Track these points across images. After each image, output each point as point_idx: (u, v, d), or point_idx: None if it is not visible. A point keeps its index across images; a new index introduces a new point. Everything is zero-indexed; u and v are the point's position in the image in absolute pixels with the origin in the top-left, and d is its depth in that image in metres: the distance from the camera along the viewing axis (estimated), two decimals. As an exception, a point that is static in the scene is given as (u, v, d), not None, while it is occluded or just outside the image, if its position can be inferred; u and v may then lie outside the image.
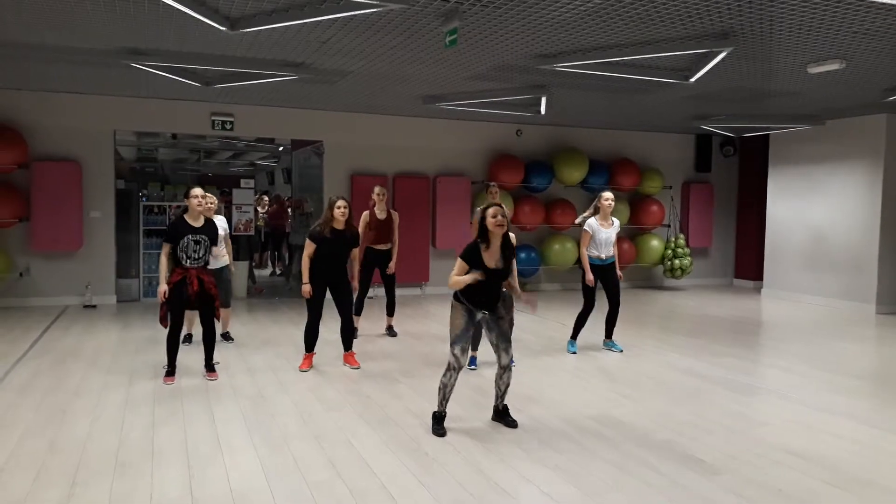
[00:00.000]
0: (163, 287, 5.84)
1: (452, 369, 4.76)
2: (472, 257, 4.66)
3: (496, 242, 4.68)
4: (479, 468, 4.18)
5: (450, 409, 5.28)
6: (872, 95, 8.93)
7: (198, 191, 6.04)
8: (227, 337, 7.77)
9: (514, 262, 5.77)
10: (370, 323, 8.82)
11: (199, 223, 6.02)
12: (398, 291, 10.41)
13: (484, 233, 4.67)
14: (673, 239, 13.08)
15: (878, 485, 4.04)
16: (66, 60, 7.67)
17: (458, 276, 4.68)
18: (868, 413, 5.54)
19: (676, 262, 12.84)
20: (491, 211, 4.65)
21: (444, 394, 4.82)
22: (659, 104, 9.90)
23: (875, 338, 9.00)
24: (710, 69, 7.17)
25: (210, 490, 3.82)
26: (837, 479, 4.10)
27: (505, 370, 4.93)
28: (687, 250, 12.99)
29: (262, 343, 7.67)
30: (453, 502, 3.71)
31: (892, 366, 7.47)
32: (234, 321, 8.10)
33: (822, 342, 8.37)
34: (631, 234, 13.12)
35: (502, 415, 5.06)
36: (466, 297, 4.76)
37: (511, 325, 5.70)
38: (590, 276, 7.16)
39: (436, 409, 4.92)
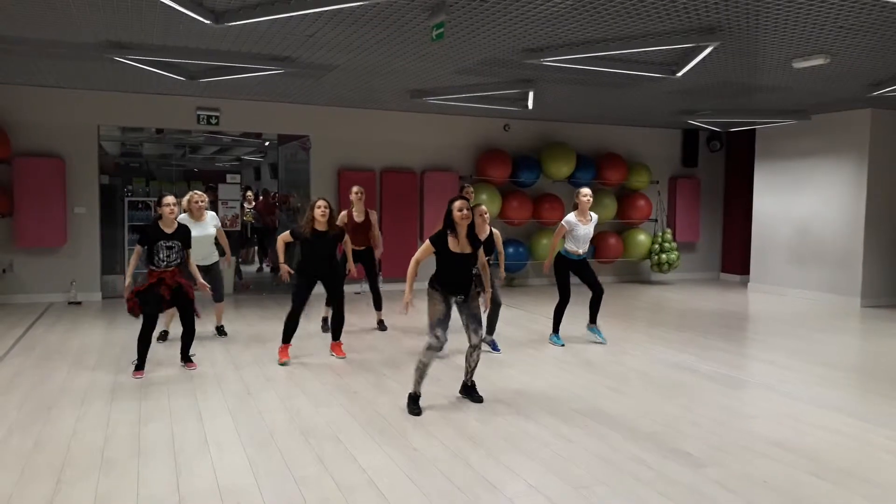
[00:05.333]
0: (128, 281, 6.11)
1: (433, 349, 5.04)
2: (439, 241, 5.09)
3: (462, 232, 5.09)
4: (467, 461, 4.18)
5: (438, 402, 5.32)
6: (857, 90, 9.00)
7: (170, 199, 6.20)
8: (220, 331, 7.79)
9: (500, 256, 6.71)
10: (359, 318, 8.81)
11: (171, 229, 6.16)
12: (387, 286, 10.47)
13: (451, 223, 5.06)
14: (660, 233, 13.13)
15: (860, 476, 4.08)
16: (48, 54, 7.59)
17: (422, 256, 5.16)
18: (853, 405, 5.59)
19: (663, 256, 12.90)
20: (457, 204, 5.07)
21: (422, 373, 5.12)
22: (646, 99, 9.92)
23: (860, 330, 9.08)
24: (697, 64, 7.20)
25: (197, 487, 3.79)
26: (822, 471, 4.13)
27: (475, 349, 5.26)
28: (674, 245, 13.04)
29: (249, 339, 7.64)
30: (441, 496, 3.71)
31: (876, 358, 7.54)
32: (223, 322, 8.08)
33: (808, 335, 8.43)
34: (618, 229, 13.17)
35: (470, 391, 5.43)
36: (441, 284, 5.13)
37: (498, 304, 6.88)
38: (547, 263, 7.43)
39: (411, 390, 5.19)
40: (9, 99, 9.66)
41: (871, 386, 6.23)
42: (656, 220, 13.55)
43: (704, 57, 6.90)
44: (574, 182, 12.40)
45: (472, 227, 5.17)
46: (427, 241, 5.16)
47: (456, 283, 5.13)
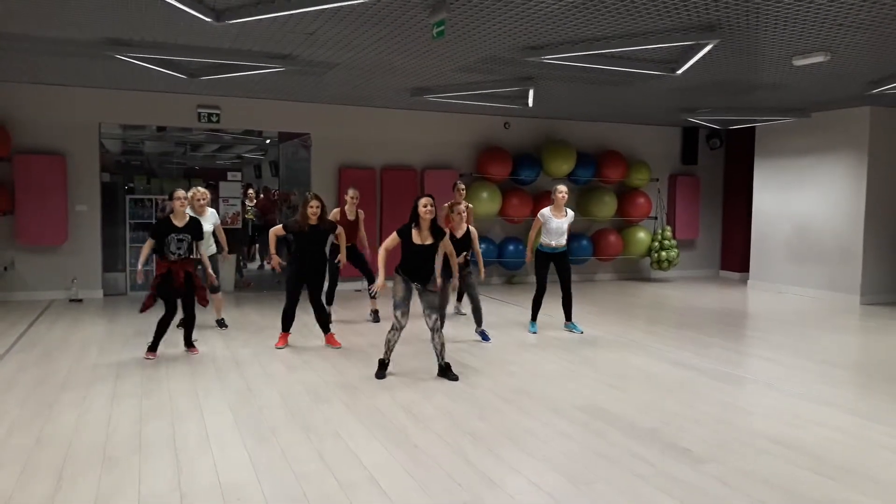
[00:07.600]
0: (140, 270, 6.59)
1: (395, 329, 5.86)
2: (404, 233, 5.84)
3: (425, 226, 5.81)
4: (468, 459, 4.19)
5: (438, 399, 5.34)
6: (856, 88, 9.00)
7: (181, 192, 6.61)
8: (221, 323, 7.96)
9: (475, 248, 7.55)
10: (354, 313, 8.85)
11: (182, 222, 6.50)
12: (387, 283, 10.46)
13: (416, 217, 5.80)
14: (660, 231, 13.13)
15: (861, 473, 4.09)
16: (50, 52, 7.59)
17: (389, 245, 5.90)
18: (852, 402, 5.60)
19: (663, 253, 12.90)
20: (422, 201, 5.83)
21: (389, 346, 5.95)
22: (646, 96, 9.92)
23: (859, 328, 9.10)
24: (697, 61, 7.19)
25: (198, 483, 3.81)
26: (822, 468, 4.14)
27: (433, 332, 5.87)
28: (673, 242, 13.04)
29: (250, 335, 7.65)
30: (442, 492, 3.72)
31: (876, 355, 7.55)
32: (222, 315, 8.13)
33: (808, 333, 8.45)
34: (618, 227, 13.17)
35: (445, 371, 5.93)
36: (403, 271, 5.87)
37: (446, 301, 7.56)
38: (528, 256, 8.12)
39: (381, 356, 6.01)
40: (10, 96, 9.66)
41: (870, 383, 6.25)
42: (656, 218, 13.55)
43: (704, 54, 6.90)
44: (574, 179, 12.43)
45: (434, 222, 5.83)
46: (394, 232, 5.91)
47: (416, 271, 5.84)
